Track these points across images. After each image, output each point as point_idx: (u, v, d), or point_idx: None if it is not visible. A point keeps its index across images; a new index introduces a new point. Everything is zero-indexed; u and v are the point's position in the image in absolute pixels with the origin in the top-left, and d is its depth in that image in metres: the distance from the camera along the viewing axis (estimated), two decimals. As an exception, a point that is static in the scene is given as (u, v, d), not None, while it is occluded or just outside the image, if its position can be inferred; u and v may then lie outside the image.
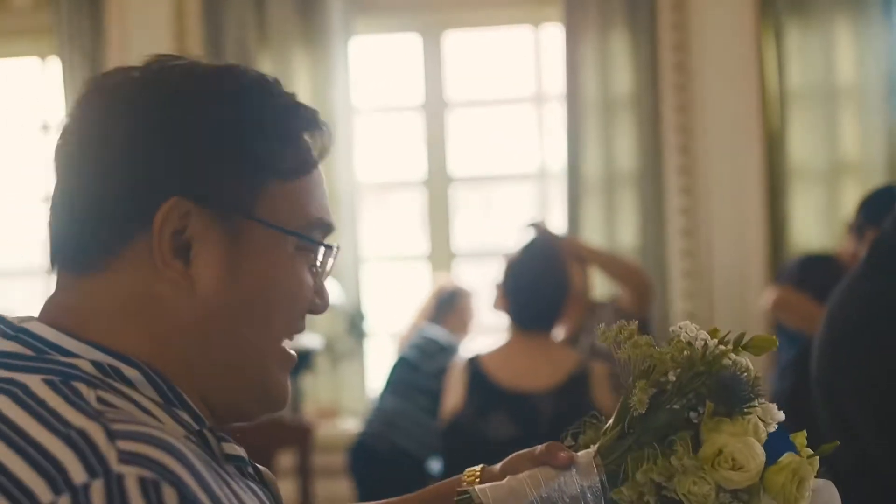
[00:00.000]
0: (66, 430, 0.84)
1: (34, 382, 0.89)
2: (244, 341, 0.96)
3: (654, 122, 4.38)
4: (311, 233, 0.98)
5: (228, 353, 0.96)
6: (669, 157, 4.39)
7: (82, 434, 0.83)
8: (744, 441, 1.01)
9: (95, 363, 0.91)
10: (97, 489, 0.80)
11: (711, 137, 4.38)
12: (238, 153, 0.95)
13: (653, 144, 4.39)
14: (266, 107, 0.97)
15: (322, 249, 1.01)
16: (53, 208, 0.99)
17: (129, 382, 0.91)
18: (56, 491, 0.81)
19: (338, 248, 1.02)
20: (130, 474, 0.81)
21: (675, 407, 1.04)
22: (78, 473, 0.81)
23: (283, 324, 0.99)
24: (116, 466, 0.81)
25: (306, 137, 0.99)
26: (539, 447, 1.10)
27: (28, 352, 0.93)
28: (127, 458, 0.81)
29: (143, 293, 0.95)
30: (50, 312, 0.97)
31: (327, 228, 1.00)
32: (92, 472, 0.81)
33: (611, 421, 1.09)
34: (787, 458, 1.01)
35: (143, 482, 0.80)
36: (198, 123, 0.95)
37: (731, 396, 1.03)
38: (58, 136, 0.99)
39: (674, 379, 1.04)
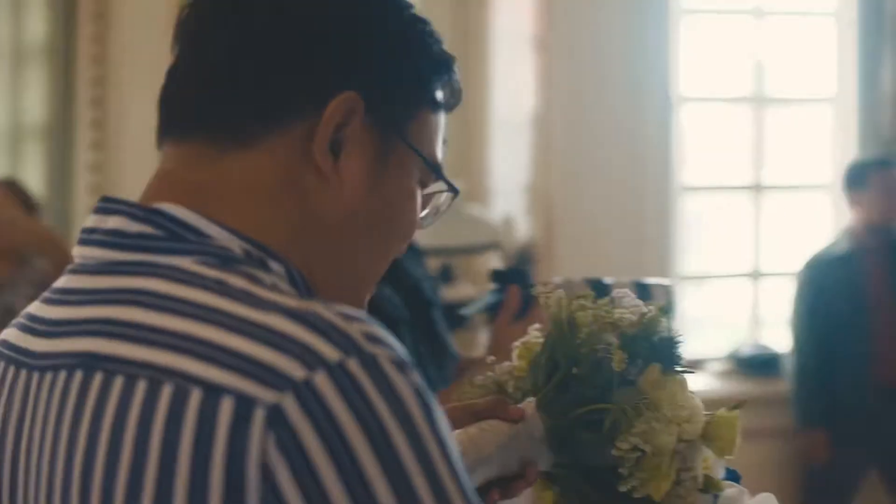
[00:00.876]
0: (286, 308, 0.77)
1: (187, 263, 0.81)
2: (365, 253, 0.92)
3: (67, 73, 4.17)
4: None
5: (349, 260, 0.91)
6: (81, 110, 4.21)
7: (312, 314, 0.76)
8: (687, 395, 1.12)
9: (245, 250, 0.84)
10: (355, 366, 0.74)
11: (127, 91, 4.26)
12: (413, 71, 0.91)
13: (64, 96, 4.18)
14: (434, 35, 0.94)
15: (445, 193, 0.99)
16: (186, 72, 0.89)
17: (274, 275, 0.84)
18: (309, 367, 0.74)
19: (457, 192, 0.99)
20: (382, 355, 0.75)
21: (623, 367, 1.11)
22: (330, 351, 0.74)
23: (395, 249, 0.95)
24: (368, 347, 0.75)
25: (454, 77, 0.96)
26: (480, 402, 1.12)
27: (163, 234, 0.83)
28: (372, 338, 0.76)
29: (291, 181, 0.87)
30: (177, 190, 0.86)
31: (438, 173, 0.96)
32: (345, 350, 0.74)
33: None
34: (720, 411, 1.15)
35: (397, 364, 0.76)
36: (386, 26, 0.91)
37: (669, 356, 1.13)
38: None
39: (617, 341, 1.12)
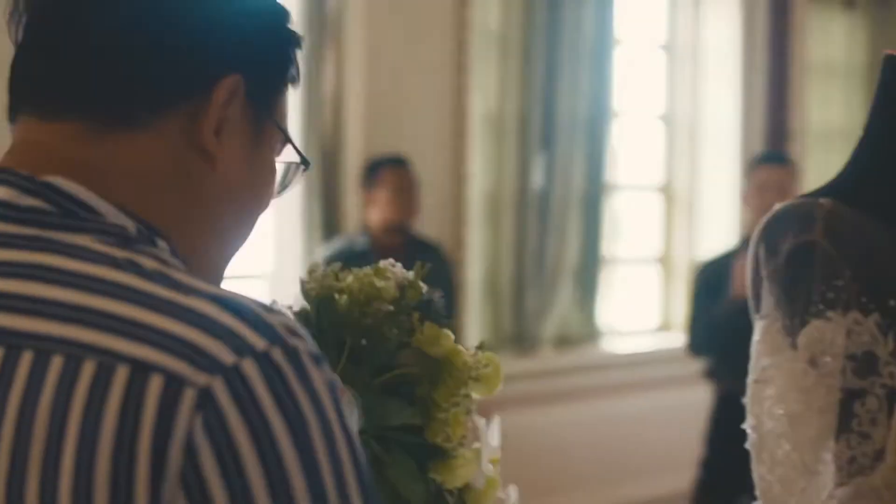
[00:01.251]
0: (209, 293, 0.79)
1: (87, 241, 0.81)
2: (237, 227, 0.94)
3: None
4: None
5: (223, 235, 0.93)
6: None
7: (236, 301, 0.79)
8: (458, 348, 1.21)
9: (137, 230, 0.84)
10: (279, 356, 0.76)
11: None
12: (281, 51, 0.94)
13: None
14: (287, 13, 0.97)
15: (298, 166, 1.01)
16: (56, 48, 0.87)
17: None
18: (238, 353, 0.75)
19: (309, 164, 1.02)
20: (302, 348, 0.78)
21: (395, 331, 1.20)
22: (256, 340, 0.76)
23: (256, 221, 0.97)
24: (290, 339, 0.77)
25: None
26: None
27: (56, 210, 0.82)
28: (292, 332, 0.78)
29: (177, 163, 0.88)
30: (61, 166, 0.84)
31: (295, 147, 0.99)
32: (270, 340, 0.76)
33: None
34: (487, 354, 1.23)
35: (314, 358, 0.78)
36: (258, 13, 0.93)
37: (437, 316, 1.21)
38: None
39: (392, 308, 1.20)
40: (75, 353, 0.75)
